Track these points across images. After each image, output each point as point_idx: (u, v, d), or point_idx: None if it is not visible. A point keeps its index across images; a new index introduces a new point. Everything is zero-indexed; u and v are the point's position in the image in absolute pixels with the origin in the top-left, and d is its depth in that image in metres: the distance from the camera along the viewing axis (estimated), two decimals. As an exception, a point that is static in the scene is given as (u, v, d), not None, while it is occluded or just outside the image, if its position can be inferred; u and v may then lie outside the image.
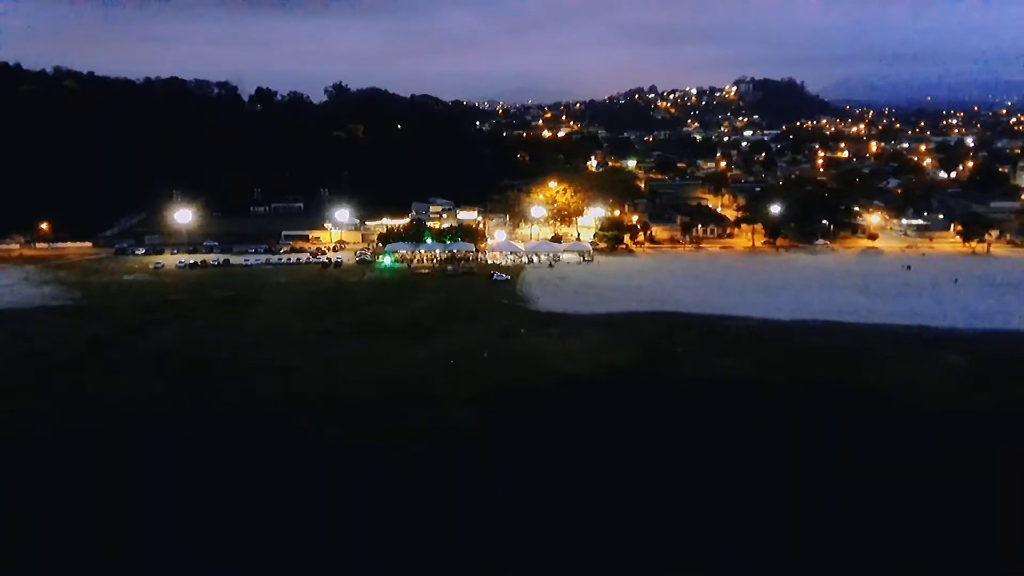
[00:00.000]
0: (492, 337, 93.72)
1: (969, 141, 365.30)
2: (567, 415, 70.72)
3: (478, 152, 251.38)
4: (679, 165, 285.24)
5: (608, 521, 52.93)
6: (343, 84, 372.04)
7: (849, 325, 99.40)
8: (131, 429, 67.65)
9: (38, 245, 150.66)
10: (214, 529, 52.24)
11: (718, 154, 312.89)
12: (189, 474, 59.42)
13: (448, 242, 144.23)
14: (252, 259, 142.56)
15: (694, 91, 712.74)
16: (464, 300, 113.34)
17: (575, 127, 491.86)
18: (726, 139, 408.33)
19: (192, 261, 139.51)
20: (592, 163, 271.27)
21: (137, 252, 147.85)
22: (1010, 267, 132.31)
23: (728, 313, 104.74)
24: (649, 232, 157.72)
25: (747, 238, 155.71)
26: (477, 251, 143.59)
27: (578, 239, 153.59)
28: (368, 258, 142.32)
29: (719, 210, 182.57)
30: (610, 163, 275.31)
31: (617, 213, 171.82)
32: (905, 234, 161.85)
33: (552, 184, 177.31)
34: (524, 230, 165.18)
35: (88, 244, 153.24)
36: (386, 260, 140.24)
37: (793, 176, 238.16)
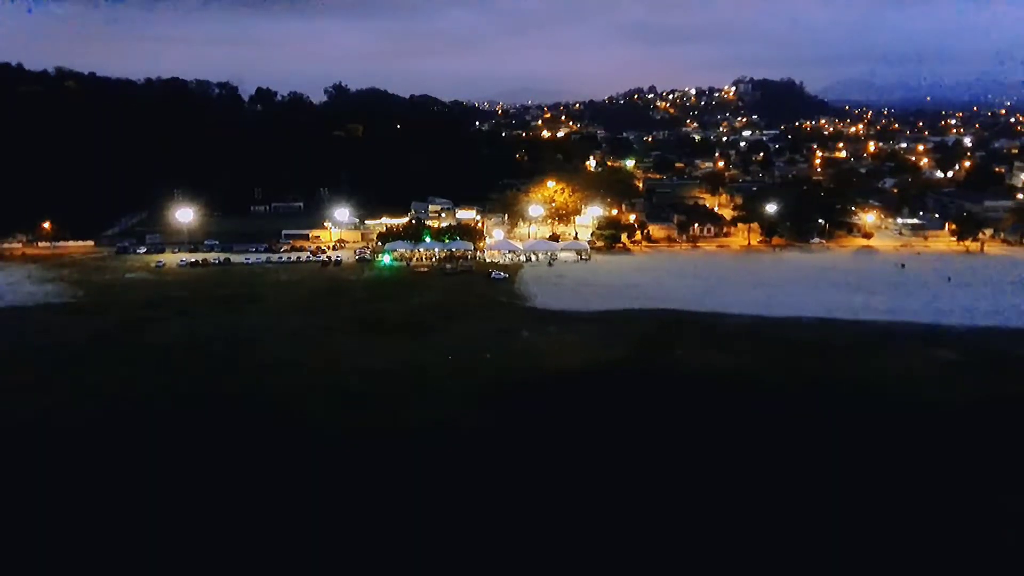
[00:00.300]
0: (490, 334, 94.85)
1: (967, 141, 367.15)
2: (564, 408, 71.87)
3: (477, 152, 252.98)
4: (677, 165, 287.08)
5: (604, 510, 53.99)
6: (343, 84, 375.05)
7: (842, 322, 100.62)
8: (134, 423, 68.69)
9: (40, 244, 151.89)
10: (214, 520, 53.12)
11: (716, 154, 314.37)
12: (190, 466, 60.37)
13: (447, 241, 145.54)
14: (252, 258, 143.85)
15: (693, 91, 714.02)
16: (462, 298, 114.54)
17: (574, 127, 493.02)
18: (725, 139, 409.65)
19: (193, 260, 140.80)
20: (591, 163, 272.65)
21: (138, 251, 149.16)
22: (1003, 265, 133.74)
23: (723, 310, 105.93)
24: (646, 231, 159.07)
25: (743, 237, 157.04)
26: (475, 250, 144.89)
27: (576, 238, 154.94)
28: (367, 257, 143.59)
29: (716, 209, 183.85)
30: (609, 163, 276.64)
31: (615, 212, 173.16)
32: (900, 233, 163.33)
33: (550, 184, 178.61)
34: (522, 229, 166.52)
35: (90, 243, 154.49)
36: (385, 259, 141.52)
37: (790, 176, 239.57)
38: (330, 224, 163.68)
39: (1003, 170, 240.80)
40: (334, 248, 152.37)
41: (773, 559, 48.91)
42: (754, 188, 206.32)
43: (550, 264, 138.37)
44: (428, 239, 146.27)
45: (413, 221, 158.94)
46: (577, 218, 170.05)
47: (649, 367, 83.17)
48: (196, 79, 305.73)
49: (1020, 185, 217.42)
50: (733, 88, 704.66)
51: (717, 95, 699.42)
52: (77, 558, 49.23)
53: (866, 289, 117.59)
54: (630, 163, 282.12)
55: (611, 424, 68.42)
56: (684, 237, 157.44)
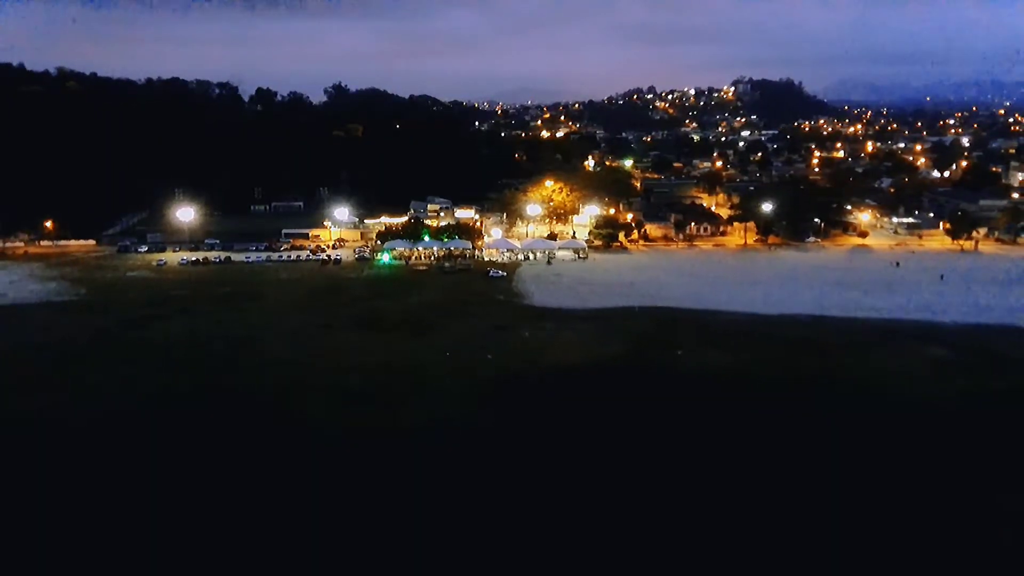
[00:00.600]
0: (488, 331, 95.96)
1: (965, 141, 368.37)
2: (560, 405, 72.91)
3: (476, 152, 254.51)
4: (675, 165, 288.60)
5: (601, 502, 55.04)
6: (342, 84, 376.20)
7: (835, 319, 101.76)
8: (135, 420, 69.53)
9: (42, 243, 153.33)
10: (214, 517, 53.77)
11: (715, 154, 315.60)
12: (190, 464, 61.12)
13: (445, 240, 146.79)
14: (253, 256, 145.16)
15: (692, 91, 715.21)
16: (460, 296, 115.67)
17: (574, 127, 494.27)
18: (723, 139, 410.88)
19: (194, 258, 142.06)
20: (589, 163, 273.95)
21: (140, 250, 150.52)
22: (996, 263, 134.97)
23: (718, 308, 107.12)
24: (643, 230, 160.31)
25: (739, 236, 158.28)
26: (474, 248, 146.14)
27: (574, 237, 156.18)
28: (367, 255, 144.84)
29: (714, 209, 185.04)
30: (607, 163, 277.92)
31: (612, 212, 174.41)
32: (895, 232, 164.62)
33: (548, 183, 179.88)
34: (520, 228, 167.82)
35: (91, 242, 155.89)
36: (384, 257, 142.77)
37: (788, 176, 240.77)
38: (330, 223, 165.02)
39: (999, 170, 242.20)
40: (334, 247, 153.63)
41: (769, 550, 49.98)
42: (751, 188, 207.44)
43: (548, 263, 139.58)
44: (427, 238, 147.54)
45: (412, 220, 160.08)
46: (575, 217, 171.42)
47: (645, 364, 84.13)
48: (196, 79, 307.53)
49: (1016, 184, 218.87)
50: (732, 88, 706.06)
51: (716, 95, 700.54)
52: (76, 555, 49.90)
53: (860, 287, 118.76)
54: (628, 163, 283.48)
55: (607, 420, 69.43)
56: (681, 236, 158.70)
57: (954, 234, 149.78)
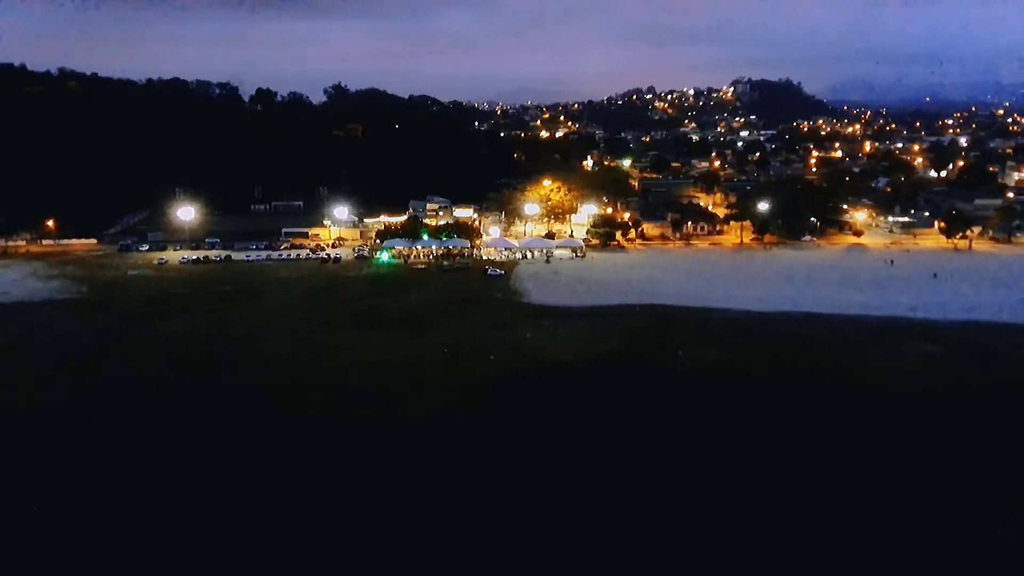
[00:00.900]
0: (486, 329, 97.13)
1: (963, 141, 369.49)
2: (556, 400, 74.08)
3: (475, 151, 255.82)
4: (674, 165, 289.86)
5: (596, 495, 56.25)
6: (342, 85, 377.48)
7: (829, 316, 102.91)
8: (136, 416, 70.53)
9: (44, 242, 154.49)
10: (214, 511, 54.72)
11: (713, 154, 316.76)
12: (191, 459, 62.18)
13: (444, 239, 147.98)
14: (253, 255, 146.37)
15: (692, 92, 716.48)
16: (459, 294, 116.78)
17: (573, 127, 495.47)
18: (722, 139, 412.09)
19: (195, 257, 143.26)
20: (588, 163, 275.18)
21: (140, 249, 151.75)
22: (988, 262, 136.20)
23: (713, 305, 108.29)
24: (640, 229, 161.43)
25: (736, 235, 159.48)
26: (472, 247, 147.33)
27: (571, 236, 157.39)
28: (366, 254, 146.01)
29: (711, 208, 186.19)
30: (606, 163, 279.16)
31: (610, 211, 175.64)
32: (891, 231, 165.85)
33: (547, 183, 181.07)
34: (519, 227, 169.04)
35: (93, 241, 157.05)
36: (383, 256, 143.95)
37: (785, 175, 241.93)
38: (329, 222, 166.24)
39: (996, 169, 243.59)
40: (333, 246, 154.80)
41: (759, 538, 51.22)
42: (748, 187, 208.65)
43: (547, 261, 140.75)
44: (426, 237, 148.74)
45: (411, 219, 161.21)
46: (573, 216, 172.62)
47: (640, 360, 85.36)
48: (197, 79, 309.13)
49: (1012, 184, 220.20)
50: (731, 88, 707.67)
51: (715, 95, 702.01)
52: (76, 547, 50.79)
53: (854, 285, 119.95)
54: (627, 163, 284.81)
55: (602, 414, 70.68)
56: (678, 235, 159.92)
57: (948, 233, 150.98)
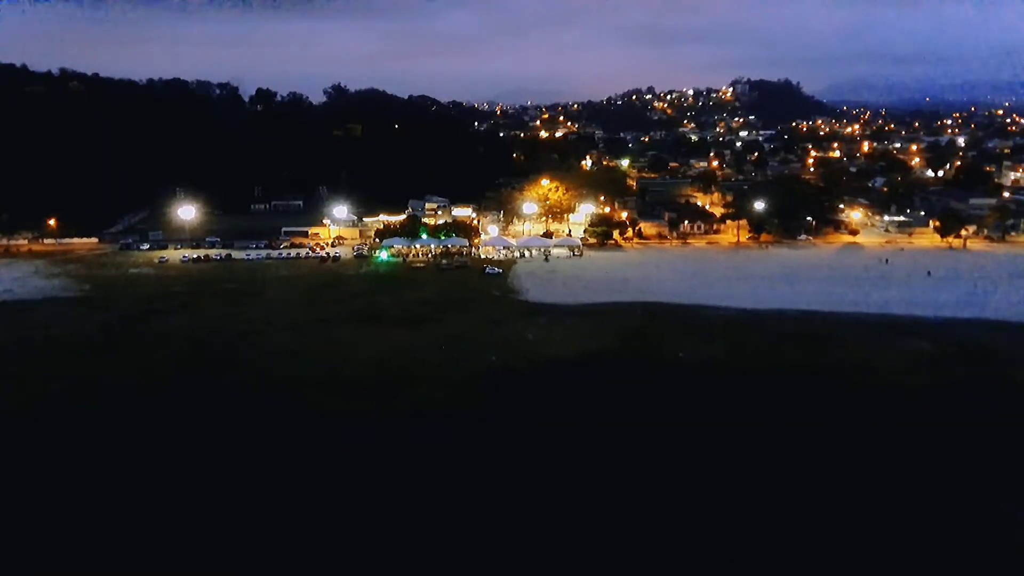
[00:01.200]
0: (483, 326, 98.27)
1: (961, 141, 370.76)
2: (552, 393, 75.37)
3: (474, 151, 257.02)
4: (672, 165, 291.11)
5: (588, 486, 57.43)
6: (342, 85, 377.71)
7: (822, 314, 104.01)
8: (137, 410, 71.63)
9: (46, 241, 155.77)
10: (217, 500, 55.83)
11: (711, 154, 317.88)
12: (192, 451, 63.37)
13: (443, 237, 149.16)
14: (253, 254, 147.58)
15: (691, 92, 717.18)
16: (457, 292, 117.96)
17: (572, 128, 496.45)
18: (721, 139, 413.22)
19: (195, 256, 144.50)
20: (587, 163, 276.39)
21: (141, 247, 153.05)
22: (982, 261, 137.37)
23: (709, 303, 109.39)
24: (638, 228, 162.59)
25: (732, 234, 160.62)
26: (471, 246, 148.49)
27: (569, 235, 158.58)
28: (365, 253, 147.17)
29: (708, 208, 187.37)
30: (604, 163, 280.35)
31: (607, 210, 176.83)
32: (886, 230, 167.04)
33: (545, 182, 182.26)
34: (517, 226, 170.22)
35: (94, 240, 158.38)
36: (382, 255, 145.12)
37: (783, 175, 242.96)
38: (329, 222, 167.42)
39: (993, 169, 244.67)
40: (333, 245, 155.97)
41: (747, 522, 52.45)
42: (745, 187, 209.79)
43: (546, 260, 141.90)
44: (425, 236, 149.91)
45: (410, 218, 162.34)
46: (571, 216, 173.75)
47: (634, 356, 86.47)
48: (197, 80, 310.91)
49: (1009, 184, 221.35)
50: (730, 89, 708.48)
51: (714, 96, 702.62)
52: (77, 533, 51.86)
53: (849, 283, 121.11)
54: (625, 163, 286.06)
55: (596, 408, 71.87)
56: (674, 234, 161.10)
57: (943, 232, 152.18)
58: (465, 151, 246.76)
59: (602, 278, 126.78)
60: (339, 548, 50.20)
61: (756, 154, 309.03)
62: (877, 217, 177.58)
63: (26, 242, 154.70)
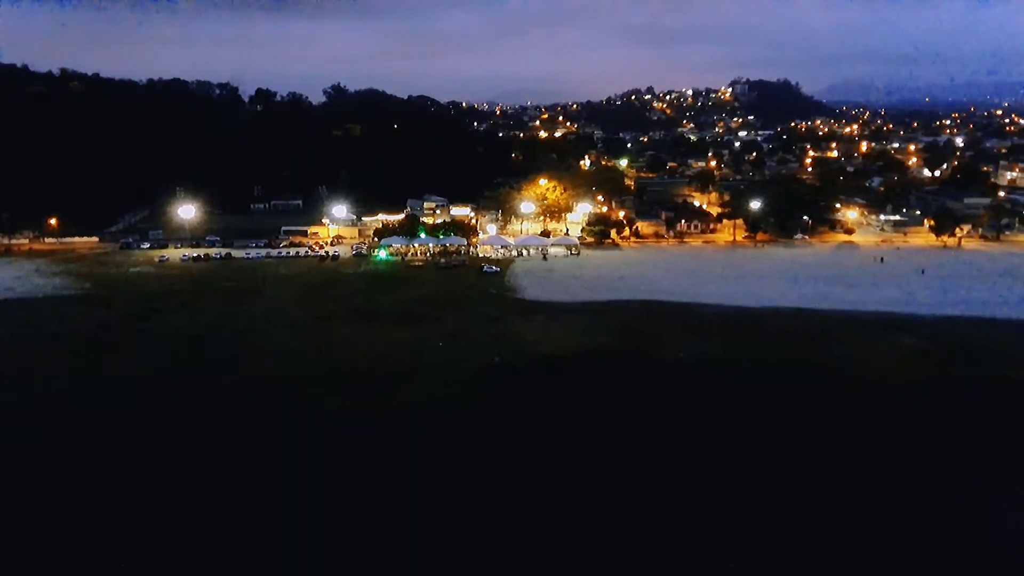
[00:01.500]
0: (481, 323, 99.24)
1: (958, 141, 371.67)
2: (548, 389, 76.38)
3: (473, 151, 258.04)
4: (670, 164, 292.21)
5: (587, 484, 58.36)
6: (341, 85, 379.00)
7: (816, 312, 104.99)
8: (137, 405, 72.53)
9: (47, 240, 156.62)
10: (218, 493, 56.76)
11: (709, 154, 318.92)
12: (193, 446, 64.33)
13: (441, 236, 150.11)
14: (252, 253, 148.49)
15: (690, 92, 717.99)
16: (455, 290, 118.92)
17: (571, 128, 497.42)
18: (720, 140, 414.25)
19: (195, 255, 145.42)
20: (585, 162, 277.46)
21: (142, 246, 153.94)
22: (976, 259, 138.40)
23: (704, 301, 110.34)
24: (635, 227, 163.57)
25: (729, 233, 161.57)
26: (469, 245, 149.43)
27: (567, 234, 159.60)
28: (364, 252, 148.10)
29: (705, 207, 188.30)
30: (603, 163, 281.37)
31: (605, 209, 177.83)
32: (882, 229, 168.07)
33: (543, 182, 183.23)
34: (515, 226, 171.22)
35: (95, 239, 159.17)
36: (381, 254, 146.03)
37: (780, 174, 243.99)
38: (328, 221, 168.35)
39: (990, 169, 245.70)
40: (332, 244, 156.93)
41: (744, 518, 53.50)
42: (742, 186, 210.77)
43: (544, 258, 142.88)
44: (423, 235, 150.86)
45: (409, 218, 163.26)
46: (569, 215, 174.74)
47: (630, 353, 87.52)
48: (197, 80, 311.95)
49: (1005, 183, 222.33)
50: (730, 89, 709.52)
51: (714, 96, 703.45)
52: (77, 532, 52.59)
53: (843, 282, 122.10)
54: (624, 163, 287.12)
55: (592, 402, 72.98)
56: (671, 233, 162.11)
57: (938, 231, 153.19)
58: (464, 151, 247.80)
59: (599, 276, 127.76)
60: (339, 547, 50.86)
61: (754, 154, 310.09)
62: (873, 216, 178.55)
63: (27, 241, 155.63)
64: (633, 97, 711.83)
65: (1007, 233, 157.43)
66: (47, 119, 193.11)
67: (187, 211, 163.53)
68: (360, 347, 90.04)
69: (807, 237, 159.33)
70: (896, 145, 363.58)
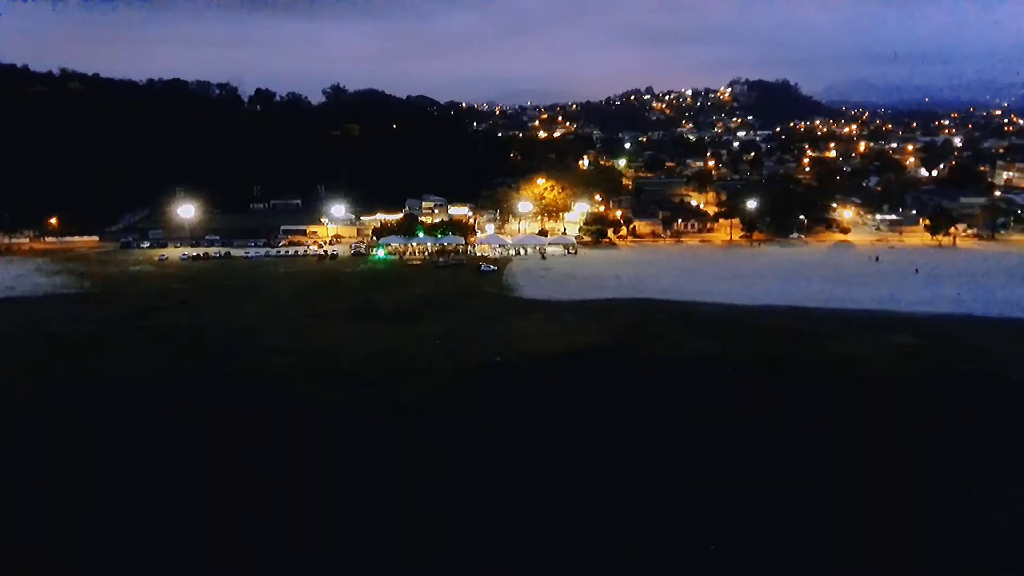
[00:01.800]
0: (478, 321, 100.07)
1: (957, 141, 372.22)
2: (545, 386, 77.19)
3: (471, 151, 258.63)
4: (668, 164, 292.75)
5: (586, 481, 59.06)
6: (341, 85, 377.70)
7: (811, 310, 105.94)
8: (137, 402, 73.17)
9: (47, 239, 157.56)
10: (214, 494, 57.14)
11: (708, 154, 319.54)
12: (193, 442, 65.06)
13: (439, 236, 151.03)
14: (252, 252, 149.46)
15: (689, 92, 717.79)
16: (452, 289, 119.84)
17: (570, 128, 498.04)
18: (719, 140, 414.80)
19: (195, 254, 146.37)
20: (584, 162, 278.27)
21: (142, 246, 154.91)
22: (970, 258, 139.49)
23: (699, 299, 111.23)
24: (632, 227, 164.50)
25: (725, 232, 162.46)
26: (467, 244, 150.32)
27: (564, 233, 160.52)
28: (362, 251, 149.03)
29: (702, 207, 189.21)
30: (601, 162, 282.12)
31: (602, 209, 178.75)
32: (877, 228, 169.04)
33: (541, 181, 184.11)
34: (513, 225, 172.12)
35: (95, 238, 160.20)
36: (379, 253, 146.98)
37: (777, 174, 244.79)
38: (327, 220, 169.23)
39: (987, 169, 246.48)
40: (330, 243, 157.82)
41: (741, 513, 54.52)
42: (739, 186, 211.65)
43: (542, 258, 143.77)
44: (421, 234, 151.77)
45: (407, 217, 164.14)
46: (566, 214, 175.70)
47: (625, 350, 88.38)
48: (197, 80, 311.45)
49: (1001, 183, 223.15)
50: (729, 89, 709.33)
51: (713, 96, 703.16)
52: (76, 530, 53.25)
53: (838, 281, 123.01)
54: (622, 163, 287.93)
55: (587, 398, 73.93)
56: (668, 232, 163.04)
57: (933, 230, 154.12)
58: (463, 151, 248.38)
59: (596, 275, 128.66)
60: (338, 545, 51.40)
61: (752, 154, 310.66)
62: (869, 216, 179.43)
63: (27, 240, 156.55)
64: (632, 97, 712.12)
65: (1002, 232, 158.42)
66: (47, 119, 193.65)
67: (187, 210, 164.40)
68: (358, 345, 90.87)
69: (803, 236, 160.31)
70: (894, 145, 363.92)
